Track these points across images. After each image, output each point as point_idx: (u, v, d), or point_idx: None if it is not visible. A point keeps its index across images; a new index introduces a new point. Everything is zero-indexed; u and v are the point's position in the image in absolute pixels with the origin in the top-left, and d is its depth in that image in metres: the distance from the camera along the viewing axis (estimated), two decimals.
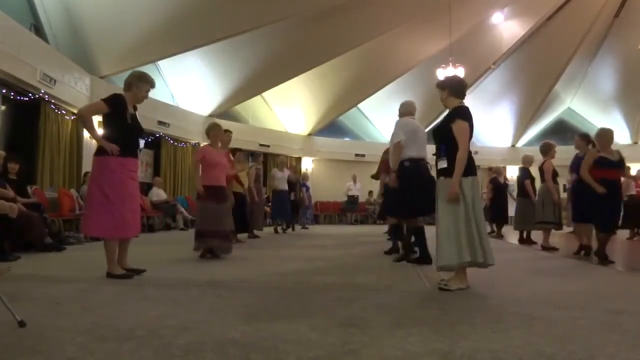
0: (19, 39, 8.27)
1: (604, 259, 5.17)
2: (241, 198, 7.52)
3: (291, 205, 10.97)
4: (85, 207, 4.02)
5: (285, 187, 10.44)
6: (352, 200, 16.63)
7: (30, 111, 8.85)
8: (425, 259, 4.76)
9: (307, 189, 14.03)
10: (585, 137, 6.30)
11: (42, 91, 8.73)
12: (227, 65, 13.73)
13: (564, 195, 7.99)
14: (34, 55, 8.54)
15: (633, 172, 10.48)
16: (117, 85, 11.10)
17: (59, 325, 2.29)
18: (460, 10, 13.91)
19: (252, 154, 11.41)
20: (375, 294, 3.31)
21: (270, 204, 10.95)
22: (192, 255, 5.50)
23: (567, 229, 8.44)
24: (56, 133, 9.31)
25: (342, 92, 16.55)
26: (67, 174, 9.65)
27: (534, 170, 7.74)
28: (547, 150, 7.04)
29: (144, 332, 2.19)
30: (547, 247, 6.76)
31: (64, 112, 9.55)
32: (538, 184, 7.52)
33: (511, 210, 9.43)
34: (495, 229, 9.97)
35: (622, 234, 8.44)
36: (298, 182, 12.25)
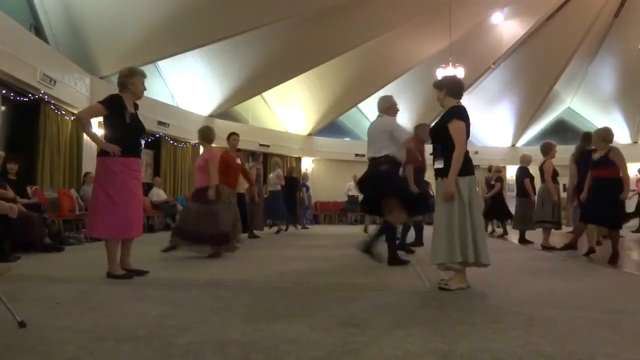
0: (19, 39, 8.27)
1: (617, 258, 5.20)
2: (241, 198, 7.53)
3: (289, 205, 10.97)
4: (90, 208, 4.03)
5: (277, 187, 10.42)
6: (353, 200, 16.62)
7: (30, 111, 8.84)
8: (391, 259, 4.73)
9: (307, 189, 14.04)
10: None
11: (42, 91, 8.73)
12: (227, 65, 13.72)
13: (563, 195, 8.00)
14: (34, 55, 8.53)
15: (633, 172, 10.53)
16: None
17: (59, 325, 2.30)
18: (460, 10, 13.90)
19: (252, 154, 11.41)
20: (375, 294, 3.31)
21: None
22: (192, 255, 5.50)
23: (566, 229, 8.44)
24: (56, 133, 9.30)
25: (342, 92, 16.55)
26: (67, 174, 9.65)
27: (533, 170, 7.76)
28: (547, 150, 7.04)
29: (144, 332, 2.19)
30: (547, 247, 6.75)
31: (63, 112, 9.55)
32: (537, 183, 7.53)
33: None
34: (495, 228, 10.02)
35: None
36: (297, 181, 12.25)
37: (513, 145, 19.87)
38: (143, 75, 4.05)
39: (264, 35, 12.51)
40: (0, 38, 7.62)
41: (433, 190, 5.83)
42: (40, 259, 5.20)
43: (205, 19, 10.95)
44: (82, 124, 3.93)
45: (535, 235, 7.68)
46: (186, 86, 14.08)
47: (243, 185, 7.78)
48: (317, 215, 16.85)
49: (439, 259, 3.41)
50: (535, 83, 17.62)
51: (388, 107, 5.04)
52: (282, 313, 2.64)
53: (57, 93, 9.08)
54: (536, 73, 17.26)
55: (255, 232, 8.88)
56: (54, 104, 9.20)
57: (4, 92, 8.17)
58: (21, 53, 8.13)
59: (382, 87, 16.63)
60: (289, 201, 10.83)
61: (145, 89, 4.10)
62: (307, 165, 17.76)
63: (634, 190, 10.62)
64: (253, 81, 14.20)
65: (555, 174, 6.97)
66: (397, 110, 5.17)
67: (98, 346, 1.99)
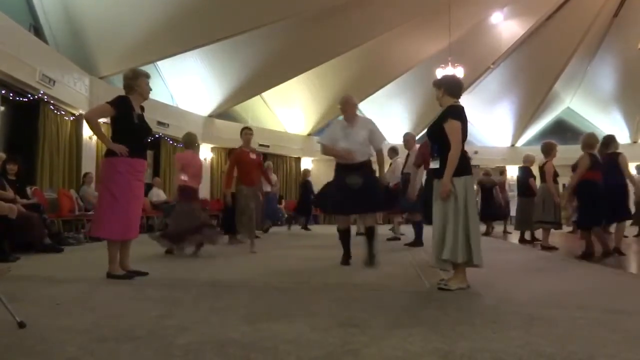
0: (19, 39, 8.26)
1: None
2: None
3: (306, 206, 11.54)
4: (95, 209, 4.04)
5: (268, 188, 10.43)
6: None
7: (29, 112, 8.84)
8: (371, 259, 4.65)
9: None
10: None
11: (42, 92, 8.73)
12: (226, 65, 13.72)
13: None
14: (33, 55, 8.53)
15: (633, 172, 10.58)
16: (117, 85, 11.09)
17: (59, 326, 2.29)
18: (460, 10, 13.91)
19: None
20: (375, 294, 3.31)
21: None
22: (192, 255, 5.50)
23: (566, 229, 8.44)
24: (55, 134, 9.30)
25: (342, 92, 16.43)
26: (66, 175, 9.65)
27: (535, 170, 7.76)
28: (548, 150, 7.03)
29: (144, 332, 2.19)
30: (547, 247, 6.76)
31: (63, 112, 9.55)
32: (537, 183, 7.53)
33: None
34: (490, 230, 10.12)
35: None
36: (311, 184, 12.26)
37: (513, 145, 19.87)
38: (147, 77, 4.09)
39: (264, 35, 12.51)
40: (0, 38, 7.62)
41: None
42: (39, 259, 5.19)
43: (205, 19, 10.95)
44: (90, 123, 3.95)
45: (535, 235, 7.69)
46: (186, 86, 14.08)
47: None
48: (317, 215, 16.83)
49: (434, 261, 3.41)
50: (534, 83, 17.63)
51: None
52: (282, 313, 2.64)
53: (56, 93, 9.08)
54: (536, 73, 17.27)
55: (255, 232, 8.87)
56: (53, 104, 9.20)
57: (3, 92, 8.17)
58: (21, 53, 8.13)
59: (382, 87, 16.65)
60: (304, 203, 11.49)
61: (150, 90, 4.15)
62: (307, 165, 17.75)
63: None
64: (253, 81, 14.20)
65: (555, 175, 6.97)
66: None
67: (98, 346, 1.99)
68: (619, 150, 6.09)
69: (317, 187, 14.69)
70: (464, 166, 3.43)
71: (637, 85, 16.90)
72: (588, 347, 2.01)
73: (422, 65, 15.81)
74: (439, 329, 2.27)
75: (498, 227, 11.06)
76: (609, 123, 19.31)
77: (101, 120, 4.40)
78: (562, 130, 19.34)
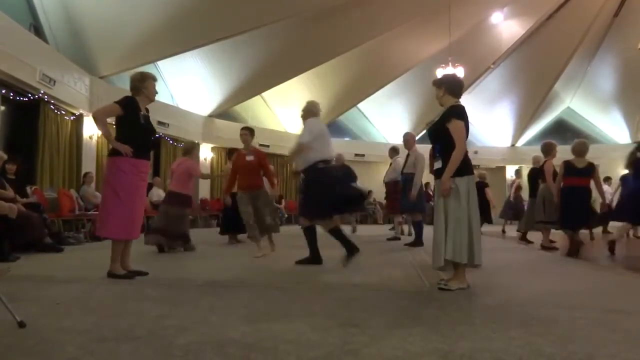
0: (19, 39, 8.27)
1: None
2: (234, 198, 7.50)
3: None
4: (100, 208, 4.05)
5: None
6: None
7: (29, 111, 8.84)
8: (351, 250, 4.63)
9: None
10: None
11: (42, 91, 8.73)
12: (226, 65, 13.72)
13: None
14: (34, 55, 8.53)
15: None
16: (117, 85, 11.12)
17: (59, 326, 2.29)
18: (460, 10, 13.91)
19: None
20: (375, 294, 3.31)
21: None
22: (192, 255, 5.50)
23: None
24: (56, 133, 9.31)
25: (342, 92, 16.54)
26: (66, 174, 9.65)
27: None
28: (548, 150, 7.03)
29: (144, 332, 2.19)
30: (547, 247, 6.76)
31: (63, 112, 9.55)
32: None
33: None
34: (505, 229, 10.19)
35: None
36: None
37: (513, 145, 19.88)
38: (154, 79, 4.14)
39: (264, 35, 12.51)
40: (0, 38, 7.62)
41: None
42: (39, 259, 5.19)
43: (205, 19, 10.95)
44: (98, 122, 3.96)
45: (536, 235, 7.68)
46: (186, 86, 14.08)
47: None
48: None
49: (437, 262, 3.40)
50: (535, 83, 17.63)
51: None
52: (282, 313, 2.64)
53: (56, 93, 9.08)
54: (536, 73, 17.28)
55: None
56: (53, 104, 9.20)
57: (3, 92, 8.17)
58: (21, 53, 8.13)
59: (382, 87, 16.66)
60: None
61: (157, 92, 4.18)
62: None
63: None
64: (253, 81, 14.20)
65: (555, 174, 6.97)
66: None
67: (98, 346, 1.99)
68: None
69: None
70: (466, 166, 3.43)
71: (637, 85, 16.90)
72: (588, 347, 2.01)
73: (422, 65, 15.81)
74: (439, 329, 2.27)
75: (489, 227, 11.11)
76: (609, 123, 19.34)
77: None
78: (562, 130, 19.35)
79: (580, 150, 6.05)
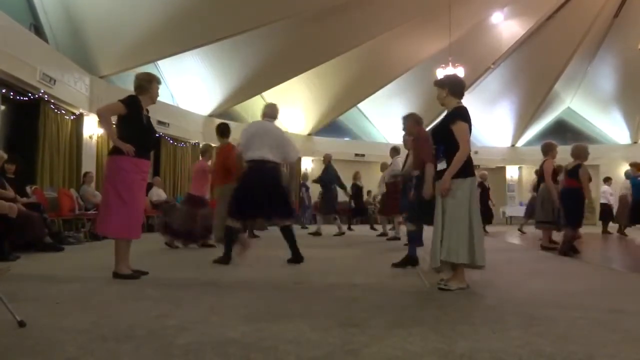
0: (19, 38, 8.26)
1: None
2: None
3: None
4: (101, 206, 4.05)
5: None
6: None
7: (29, 111, 8.83)
8: (226, 255, 4.77)
9: (307, 189, 14.03)
10: None
11: (42, 91, 8.72)
12: (227, 65, 13.72)
13: None
14: (34, 55, 8.53)
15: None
16: (117, 85, 11.12)
17: (59, 325, 2.29)
18: (460, 10, 13.91)
19: None
20: (375, 294, 3.31)
21: None
22: (192, 255, 5.50)
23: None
24: (56, 133, 9.30)
25: (342, 92, 16.54)
26: (66, 174, 9.64)
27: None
28: (548, 150, 7.03)
29: (144, 332, 2.19)
30: (547, 247, 6.75)
31: (63, 112, 9.54)
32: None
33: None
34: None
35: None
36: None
37: (513, 145, 19.88)
38: (159, 82, 4.18)
39: (264, 35, 12.51)
40: (1, 38, 7.62)
41: None
42: (40, 259, 5.19)
43: (205, 19, 10.94)
44: (102, 120, 3.97)
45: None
46: (186, 86, 14.08)
47: None
48: (316, 215, 16.83)
49: (436, 263, 3.41)
50: (535, 83, 17.63)
51: (276, 116, 5.19)
52: (282, 313, 2.64)
53: (56, 92, 9.07)
54: (536, 73, 17.28)
55: (255, 232, 8.88)
56: (53, 104, 9.19)
57: (3, 91, 8.17)
58: (21, 53, 8.13)
59: (382, 87, 16.65)
60: (359, 206, 11.94)
61: (158, 95, 4.21)
62: (307, 165, 17.74)
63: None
64: (253, 81, 14.20)
65: (555, 174, 6.97)
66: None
67: (98, 346, 1.98)
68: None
69: (317, 187, 14.79)
70: (469, 168, 3.43)
71: (637, 86, 16.90)
72: (588, 347, 2.01)
73: (422, 65, 15.80)
74: (439, 329, 2.27)
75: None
76: (609, 123, 19.33)
77: None
78: (562, 130, 19.35)
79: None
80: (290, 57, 13.78)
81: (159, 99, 4.29)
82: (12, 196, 5.73)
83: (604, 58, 17.93)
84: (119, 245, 3.85)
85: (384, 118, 18.72)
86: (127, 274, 3.81)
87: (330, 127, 17.94)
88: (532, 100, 18.28)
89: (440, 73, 13.21)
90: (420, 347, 2.00)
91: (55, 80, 8.94)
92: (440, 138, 3.57)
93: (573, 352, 1.94)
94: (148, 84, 4.05)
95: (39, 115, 8.94)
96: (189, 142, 13.83)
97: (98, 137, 10.59)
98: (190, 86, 14.08)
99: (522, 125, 19.34)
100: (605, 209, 11.91)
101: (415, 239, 4.82)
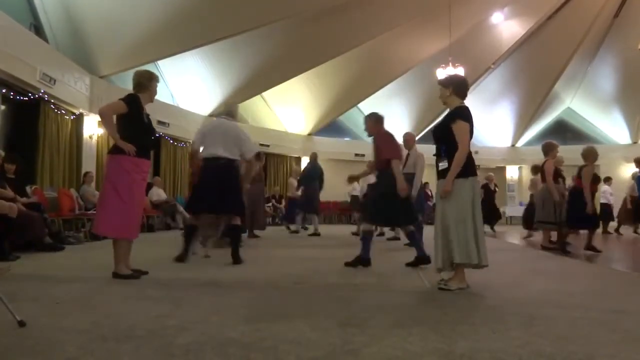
0: (19, 38, 8.26)
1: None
2: None
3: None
4: (98, 205, 4.03)
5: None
6: (354, 200, 16.61)
7: (30, 111, 8.84)
8: (184, 253, 4.92)
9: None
10: None
11: (42, 91, 8.73)
12: (227, 65, 13.72)
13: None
14: (34, 55, 8.53)
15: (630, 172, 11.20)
16: (117, 85, 11.12)
17: (59, 325, 2.29)
18: (460, 10, 13.91)
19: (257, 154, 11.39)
20: (375, 294, 3.31)
21: (270, 204, 10.99)
22: (192, 254, 5.49)
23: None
24: (56, 133, 9.30)
25: (342, 92, 16.55)
26: (66, 174, 9.65)
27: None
28: (549, 150, 7.03)
29: (144, 332, 2.19)
30: (547, 247, 6.75)
31: (63, 111, 9.55)
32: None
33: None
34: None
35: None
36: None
37: (513, 146, 19.88)
38: (158, 81, 4.18)
39: (264, 35, 12.51)
40: (1, 38, 7.62)
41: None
42: (40, 259, 5.19)
43: (205, 19, 10.95)
44: (104, 119, 3.95)
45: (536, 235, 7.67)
46: (186, 86, 14.08)
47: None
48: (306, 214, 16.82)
49: (440, 264, 3.41)
50: (535, 83, 17.63)
51: (234, 114, 5.34)
52: (282, 313, 2.64)
53: (57, 92, 9.08)
54: (536, 73, 17.28)
55: (256, 232, 8.88)
56: (53, 104, 9.20)
57: (3, 91, 8.17)
58: (21, 52, 8.13)
59: (382, 87, 16.65)
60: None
61: (156, 94, 4.21)
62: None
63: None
64: (253, 81, 14.21)
65: (556, 174, 6.96)
66: None
67: (98, 346, 1.98)
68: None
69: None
70: (470, 167, 3.43)
71: (637, 86, 16.91)
72: (588, 347, 2.01)
73: (422, 65, 15.81)
74: (439, 329, 2.27)
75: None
76: (609, 123, 19.34)
77: None
78: (562, 130, 19.36)
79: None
80: (290, 57, 13.79)
81: (159, 98, 4.30)
82: (12, 196, 5.72)
83: (604, 58, 17.93)
84: (119, 245, 3.84)
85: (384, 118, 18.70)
86: (126, 274, 3.80)
87: (330, 127, 17.94)
88: (532, 100, 18.28)
89: (440, 73, 13.21)
90: (420, 347, 2.00)
91: (55, 80, 8.94)
92: (441, 137, 3.57)
93: (573, 352, 1.94)
94: (148, 82, 4.03)
95: (39, 115, 8.94)
96: (189, 142, 13.82)
97: (98, 137, 10.60)
98: (190, 86, 14.09)
99: (522, 125, 19.34)
100: (605, 208, 11.91)
101: (368, 239, 4.72)
